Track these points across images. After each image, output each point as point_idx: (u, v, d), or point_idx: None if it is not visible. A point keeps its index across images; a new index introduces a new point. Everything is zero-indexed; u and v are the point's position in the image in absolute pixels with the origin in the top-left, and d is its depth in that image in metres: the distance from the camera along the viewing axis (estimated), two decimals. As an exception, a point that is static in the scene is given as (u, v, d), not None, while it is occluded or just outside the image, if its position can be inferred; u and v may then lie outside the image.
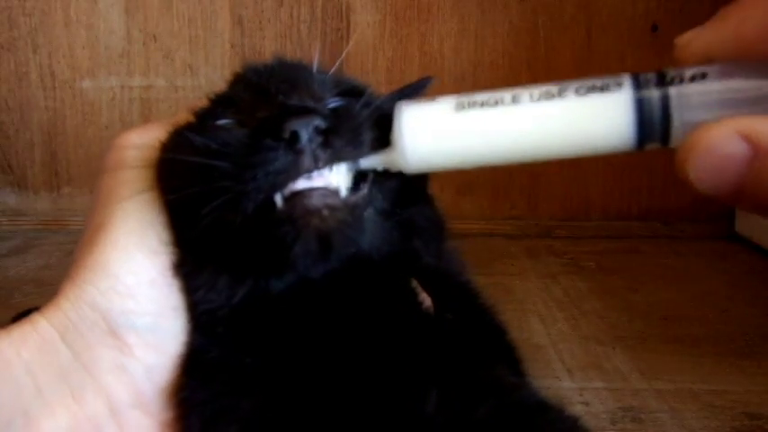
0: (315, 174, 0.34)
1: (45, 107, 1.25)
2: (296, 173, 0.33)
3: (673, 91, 0.29)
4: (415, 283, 0.41)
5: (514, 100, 0.31)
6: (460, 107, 0.32)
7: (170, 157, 0.38)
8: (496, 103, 0.31)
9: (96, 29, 1.23)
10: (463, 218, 1.24)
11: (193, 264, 0.37)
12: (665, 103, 0.29)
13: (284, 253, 0.34)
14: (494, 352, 0.45)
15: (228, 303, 0.36)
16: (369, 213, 0.37)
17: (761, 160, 0.25)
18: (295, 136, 0.33)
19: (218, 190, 0.33)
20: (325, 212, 0.34)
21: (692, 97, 0.28)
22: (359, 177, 0.36)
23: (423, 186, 0.44)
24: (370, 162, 0.35)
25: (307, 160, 0.33)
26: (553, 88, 0.31)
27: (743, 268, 1.05)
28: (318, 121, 0.33)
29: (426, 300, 0.41)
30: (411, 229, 0.40)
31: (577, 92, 0.30)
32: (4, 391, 0.32)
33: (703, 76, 0.28)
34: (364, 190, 0.35)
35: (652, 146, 0.30)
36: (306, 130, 0.33)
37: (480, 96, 0.32)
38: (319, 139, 0.33)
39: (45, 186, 1.26)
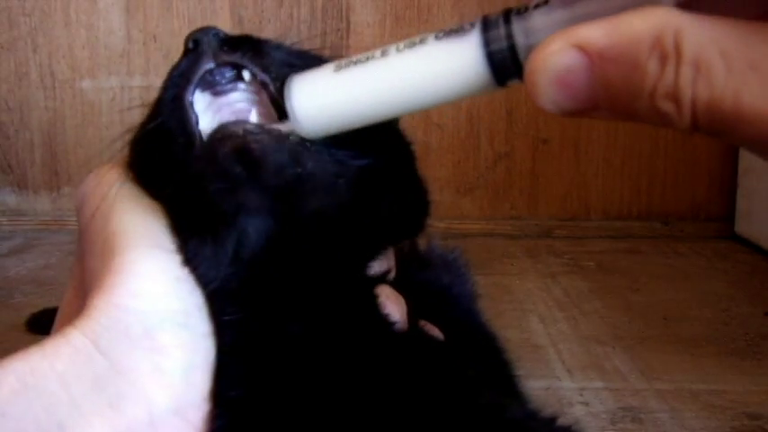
0: (220, 77, 0.36)
1: (45, 107, 1.25)
2: (197, 67, 0.36)
3: (515, 23, 0.29)
4: (382, 291, 0.39)
5: (383, 54, 0.32)
6: (338, 68, 0.33)
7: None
8: (368, 59, 0.32)
9: (96, 29, 1.23)
10: (463, 218, 1.25)
11: (184, 242, 0.36)
12: (510, 36, 0.29)
13: (206, 186, 0.34)
14: (478, 364, 0.44)
15: (219, 277, 0.36)
16: (305, 147, 0.35)
17: (597, 65, 0.25)
18: (197, 42, 0.36)
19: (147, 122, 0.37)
20: (242, 133, 0.34)
21: (535, 26, 0.28)
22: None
23: (393, 138, 0.41)
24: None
25: (206, 58, 0.36)
26: (417, 37, 0.32)
27: (743, 268, 1.05)
28: (217, 31, 0.37)
29: (395, 310, 0.39)
30: (375, 183, 0.38)
31: (437, 37, 0.31)
32: (37, 406, 0.31)
33: (546, 2, 0.28)
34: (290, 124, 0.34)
35: (513, 82, 0.30)
36: (206, 37, 0.36)
37: (356, 56, 0.33)
38: (219, 41, 0.36)
39: (45, 186, 1.26)
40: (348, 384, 0.35)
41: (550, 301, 0.90)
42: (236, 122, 0.34)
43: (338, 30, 1.23)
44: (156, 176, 0.37)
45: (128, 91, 1.24)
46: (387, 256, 0.42)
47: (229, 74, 0.37)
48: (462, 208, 1.26)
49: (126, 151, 0.40)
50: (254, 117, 0.37)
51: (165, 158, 0.36)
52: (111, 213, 0.37)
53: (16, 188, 1.26)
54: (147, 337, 0.34)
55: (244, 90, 0.37)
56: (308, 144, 0.35)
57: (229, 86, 0.37)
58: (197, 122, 0.35)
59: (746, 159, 1.18)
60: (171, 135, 0.36)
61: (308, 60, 0.37)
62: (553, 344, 0.76)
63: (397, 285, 0.41)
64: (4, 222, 1.25)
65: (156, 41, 1.22)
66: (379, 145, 0.38)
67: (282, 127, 0.34)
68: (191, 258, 0.36)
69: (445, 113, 1.24)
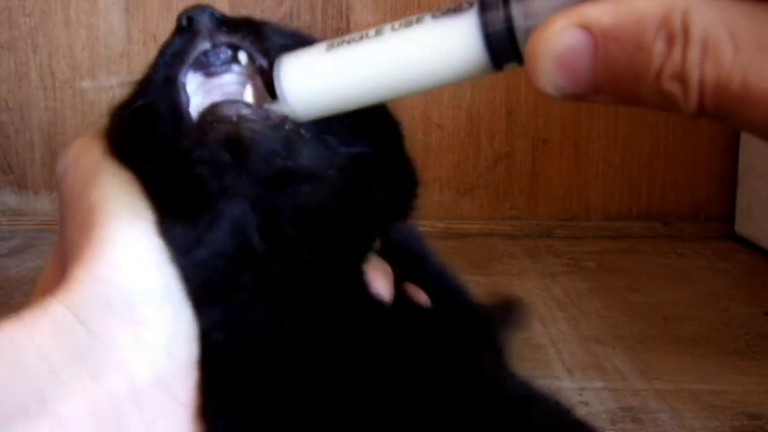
0: (215, 59, 0.35)
1: (45, 107, 1.25)
2: (192, 48, 0.35)
3: (514, 4, 0.28)
4: (369, 264, 0.38)
5: (378, 32, 0.31)
6: (330, 47, 0.32)
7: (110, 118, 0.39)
8: (362, 38, 0.31)
9: (96, 29, 1.23)
10: (463, 218, 1.25)
11: (161, 217, 0.35)
12: (508, 18, 0.28)
13: (193, 166, 0.33)
14: (471, 335, 0.42)
15: (193, 257, 0.35)
16: (300, 136, 0.34)
17: (601, 46, 0.24)
18: (191, 20, 0.35)
19: (134, 99, 0.36)
20: (236, 119, 0.33)
21: (535, 8, 0.27)
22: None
23: (382, 121, 0.40)
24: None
25: (202, 38, 0.35)
26: (413, 17, 0.30)
27: (743, 268, 1.05)
28: (213, 10, 0.36)
29: (382, 284, 0.38)
30: (365, 169, 0.37)
31: (434, 16, 0.30)
32: (17, 377, 0.31)
33: None
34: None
35: (510, 65, 0.29)
36: (201, 15, 0.35)
37: (349, 35, 0.31)
38: (216, 21, 0.35)
39: (45, 186, 1.26)
40: (340, 369, 0.34)
41: (550, 301, 0.90)
42: (231, 104, 0.33)
43: (338, 30, 1.23)
44: (136, 153, 0.36)
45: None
46: None
47: (224, 55, 0.35)
48: (462, 208, 1.26)
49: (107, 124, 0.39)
50: (247, 98, 0.35)
51: (149, 136, 0.35)
52: (92, 184, 0.37)
53: (16, 188, 1.26)
54: (128, 308, 0.33)
55: (238, 72, 0.36)
56: (302, 131, 0.34)
57: (223, 68, 0.36)
58: (188, 104, 0.34)
59: (746, 159, 1.18)
60: (158, 115, 0.35)
61: (308, 45, 0.37)
62: (553, 344, 0.76)
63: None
64: (4, 222, 1.25)
65: (156, 41, 1.22)
66: (368, 127, 0.37)
67: (272, 108, 0.33)
68: (166, 234, 0.35)
69: (445, 113, 1.24)
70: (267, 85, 0.35)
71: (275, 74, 0.32)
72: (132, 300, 0.33)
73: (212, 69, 0.35)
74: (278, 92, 0.32)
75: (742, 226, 1.19)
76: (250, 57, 0.35)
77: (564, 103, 1.34)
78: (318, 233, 0.36)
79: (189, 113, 0.34)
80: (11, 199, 1.26)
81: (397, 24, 0.30)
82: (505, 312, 0.59)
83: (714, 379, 0.67)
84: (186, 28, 0.35)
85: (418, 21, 0.30)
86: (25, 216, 1.26)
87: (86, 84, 1.24)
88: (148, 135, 0.35)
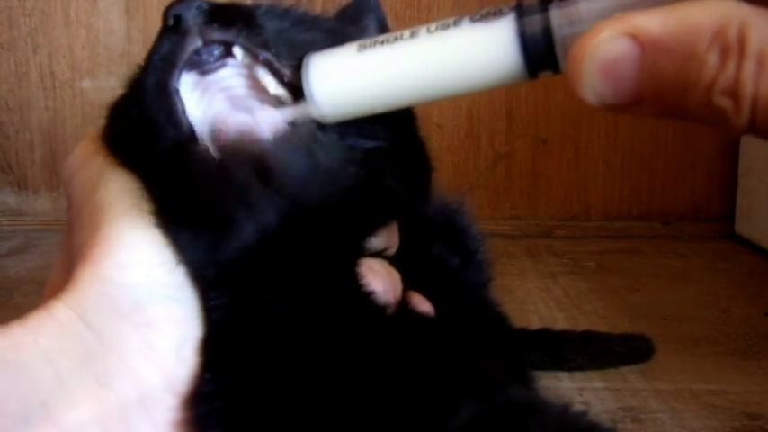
0: (208, 56, 0.33)
1: (45, 107, 1.25)
2: (182, 51, 0.33)
3: (554, 11, 0.27)
4: (369, 266, 0.37)
5: (413, 35, 0.30)
6: (363, 47, 0.31)
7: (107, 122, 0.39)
8: (396, 39, 0.30)
9: (96, 29, 1.23)
10: (463, 218, 1.24)
11: (163, 218, 0.35)
12: (547, 23, 0.27)
13: (218, 196, 0.32)
14: (483, 341, 0.42)
15: (206, 261, 0.34)
16: (313, 134, 0.33)
17: (649, 55, 0.24)
18: (178, 19, 0.33)
19: (128, 105, 0.35)
20: (259, 150, 0.32)
21: (580, 14, 0.27)
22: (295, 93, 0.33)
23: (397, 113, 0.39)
24: (287, 115, 0.33)
25: (192, 38, 0.33)
26: (451, 19, 0.30)
27: (743, 268, 1.05)
28: (201, 3, 0.33)
29: (379, 286, 0.37)
30: (380, 159, 0.36)
31: (472, 20, 0.29)
32: (19, 383, 0.29)
33: None
34: (298, 107, 0.33)
35: (545, 74, 0.28)
36: (188, 11, 0.33)
37: (382, 36, 0.31)
38: (205, 15, 0.33)
39: (45, 186, 1.26)
40: (329, 370, 0.34)
41: (550, 302, 0.90)
42: (252, 137, 0.32)
43: (338, 30, 1.23)
44: (136, 160, 0.36)
45: (128, 91, 1.24)
46: (389, 231, 0.40)
47: (218, 51, 0.34)
48: (462, 208, 1.26)
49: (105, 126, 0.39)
50: (244, 94, 0.34)
51: (149, 147, 0.34)
52: (99, 183, 0.36)
53: (16, 188, 1.26)
54: (137, 311, 0.32)
55: (233, 66, 0.34)
56: (319, 136, 0.33)
57: (218, 64, 0.34)
58: (184, 111, 0.33)
59: (746, 159, 1.18)
60: (157, 124, 0.33)
61: (306, 25, 0.35)
62: (553, 344, 0.76)
63: (400, 260, 0.39)
64: (4, 222, 1.25)
65: (156, 41, 1.22)
66: (383, 121, 0.36)
67: (298, 110, 0.32)
68: (173, 239, 0.34)
69: (445, 113, 1.24)
70: (279, 79, 0.33)
71: (303, 75, 0.31)
72: (140, 301, 0.32)
73: (206, 67, 0.34)
74: (306, 93, 0.31)
75: (742, 226, 1.19)
76: (247, 51, 0.33)
77: (564, 103, 1.34)
78: (329, 225, 0.35)
79: (188, 121, 0.33)
80: (11, 199, 1.26)
81: (433, 27, 0.30)
82: (629, 344, 0.61)
83: (714, 379, 0.67)
84: (174, 27, 0.33)
85: (456, 24, 0.29)
86: (25, 216, 1.25)
87: (86, 84, 1.24)
88: (148, 145, 0.34)
